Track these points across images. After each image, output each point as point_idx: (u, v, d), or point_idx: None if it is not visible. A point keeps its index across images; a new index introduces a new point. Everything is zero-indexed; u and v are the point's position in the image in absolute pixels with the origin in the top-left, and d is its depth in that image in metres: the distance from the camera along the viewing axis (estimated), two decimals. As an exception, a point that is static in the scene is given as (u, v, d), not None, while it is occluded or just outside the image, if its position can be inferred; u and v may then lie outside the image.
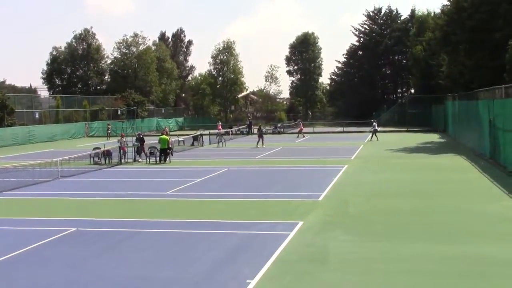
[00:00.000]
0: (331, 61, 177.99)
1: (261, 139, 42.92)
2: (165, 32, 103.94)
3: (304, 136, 54.45)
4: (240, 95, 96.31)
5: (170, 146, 33.69)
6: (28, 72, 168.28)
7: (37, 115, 62.13)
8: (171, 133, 57.27)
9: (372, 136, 46.96)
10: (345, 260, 11.65)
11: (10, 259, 12.32)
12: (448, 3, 47.39)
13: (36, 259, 12.35)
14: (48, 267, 11.79)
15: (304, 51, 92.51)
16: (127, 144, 34.09)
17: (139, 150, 34.00)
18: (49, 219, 16.75)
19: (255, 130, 52.60)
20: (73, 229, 14.95)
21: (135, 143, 34.61)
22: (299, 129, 57.44)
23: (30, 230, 15.31)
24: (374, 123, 48.89)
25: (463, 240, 13.04)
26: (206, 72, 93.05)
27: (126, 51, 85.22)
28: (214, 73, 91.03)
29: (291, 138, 54.17)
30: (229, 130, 60.66)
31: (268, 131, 64.11)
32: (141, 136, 35.24)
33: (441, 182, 22.23)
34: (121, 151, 33.49)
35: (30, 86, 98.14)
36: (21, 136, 53.91)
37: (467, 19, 40.10)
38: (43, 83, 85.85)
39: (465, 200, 18.12)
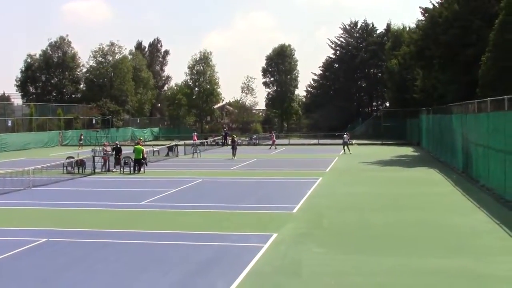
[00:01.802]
0: (307, 73, 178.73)
1: (234, 151, 42.84)
2: (141, 42, 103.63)
3: (276, 148, 54.49)
4: (216, 106, 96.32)
5: (145, 156, 33.49)
6: (1, 79, 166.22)
7: (9, 123, 61.26)
8: (146, 143, 56.98)
9: (344, 149, 46.76)
10: (319, 273, 11.63)
11: (-22, 270, 12.08)
12: (423, 18, 48.02)
13: (5, 271, 12.12)
14: (16, 279, 11.57)
15: (280, 63, 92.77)
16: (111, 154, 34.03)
17: (117, 160, 33.64)
18: (20, 229, 16.46)
19: (230, 141, 52.37)
20: (44, 239, 14.73)
21: (112, 152, 34.31)
22: (272, 140, 57.36)
23: (-1, 240, 15.06)
24: (345, 135, 48.89)
25: (436, 253, 13.11)
26: (182, 82, 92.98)
27: (102, 59, 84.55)
28: (190, 83, 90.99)
29: (266, 149, 54.16)
30: (204, 141, 60.46)
31: (244, 143, 64.07)
32: (118, 146, 34.89)
33: (414, 196, 22.40)
34: (102, 160, 33.36)
35: (3, 93, 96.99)
36: (-7, 144, 53.15)
37: (441, 34, 40.66)
38: (16, 91, 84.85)
39: (438, 214, 18.26)
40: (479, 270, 11.71)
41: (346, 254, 13.17)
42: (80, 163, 32.74)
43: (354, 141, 50.08)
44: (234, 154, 42.44)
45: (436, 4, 45.25)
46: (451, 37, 39.86)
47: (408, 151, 48.68)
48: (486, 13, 38.43)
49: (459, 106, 31.06)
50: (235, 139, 46.27)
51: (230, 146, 44.60)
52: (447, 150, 34.36)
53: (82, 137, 61.67)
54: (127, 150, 37.46)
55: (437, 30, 41.27)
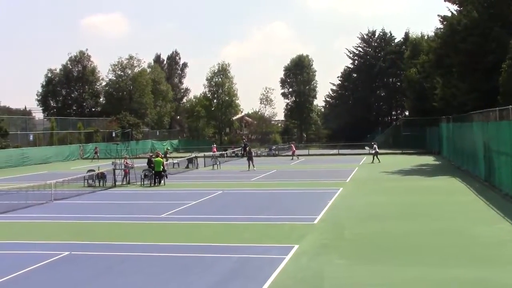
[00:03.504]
0: (325, 83, 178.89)
1: (250, 162, 42.77)
2: (160, 55, 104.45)
3: (298, 158, 54.43)
4: (235, 117, 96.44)
5: (165, 168, 33.56)
6: (23, 94, 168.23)
7: (31, 137, 61.91)
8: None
9: (374, 159, 46.78)
10: (341, 285, 11.54)
11: None
12: (441, 26, 47.76)
13: (28, 284, 12.20)
14: (40, 292, 11.63)
15: (298, 74, 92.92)
16: (132, 167, 34.13)
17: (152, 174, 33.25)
18: (42, 242, 16.57)
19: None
20: (66, 253, 14.80)
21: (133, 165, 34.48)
22: (292, 151, 57.23)
23: (22, 254, 15.13)
24: (375, 145, 48.85)
25: (459, 263, 12.94)
26: (201, 94, 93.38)
27: (121, 73, 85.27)
28: (209, 95, 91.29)
29: (285, 160, 54.08)
30: (224, 152, 60.53)
31: (263, 154, 64.09)
32: (153, 158, 34.83)
33: (436, 205, 22.16)
34: (123, 173, 33.48)
35: (25, 108, 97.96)
36: (15, 158, 53.70)
37: (460, 42, 40.37)
38: (37, 105, 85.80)
39: (461, 223, 18.05)
40: (503, 281, 11.52)
41: (368, 265, 13.04)
42: (101, 176, 32.92)
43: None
44: (252, 165, 42.25)
45: (455, 12, 44.99)
46: (470, 45, 39.56)
47: (428, 160, 48.30)
48: (506, 20, 38.13)
49: (480, 114, 30.77)
50: (251, 150, 46.43)
51: (247, 158, 44.54)
52: (469, 158, 34.01)
53: (97, 149, 62.37)
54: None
55: (456, 38, 40.99)
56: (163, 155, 38.09)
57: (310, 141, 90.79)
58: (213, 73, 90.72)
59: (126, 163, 34.61)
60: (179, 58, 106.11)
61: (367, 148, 53.27)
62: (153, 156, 35.21)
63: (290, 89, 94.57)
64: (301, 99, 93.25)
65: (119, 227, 19.13)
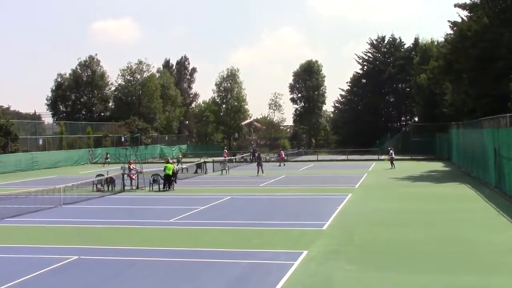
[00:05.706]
0: (334, 89, 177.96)
1: (260, 167, 42.79)
2: (169, 60, 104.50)
3: (284, 165, 54.82)
4: (243, 123, 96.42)
5: (175, 171, 33.56)
6: (32, 99, 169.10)
7: (40, 142, 62.17)
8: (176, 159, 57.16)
9: (391, 164, 46.73)
10: (350, 291, 11.46)
11: (10, 288, 12.16)
12: (451, 32, 47.60)
13: (37, 288, 12.19)
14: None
15: (307, 79, 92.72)
16: (137, 171, 34.17)
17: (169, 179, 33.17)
18: (51, 247, 16.60)
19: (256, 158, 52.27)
20: (75, 257, 14.81)
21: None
22: (280, 157, 57.71)
23: (31, 258, 15.15)
24: (391, 151, 48.74)
25: (469, 271, 12.84)
26: (209, 99, 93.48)
27: (131, 78, 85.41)
28: (217, 100, 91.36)
29: (294, 166, 54.05)
30: (232, 157, 60.54)
31: (272, 159, 64.08)
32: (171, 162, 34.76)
33: (446, 212, 22.03)
34: (129, 178, 33.46)
35: (35, 112, 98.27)
36: (25, 163, 53.95)
37: (470, 48, 40.20)
38: (47, 110, 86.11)
39: (471, 230, 17.93)
40: (515, 288, 11.43)
41: (378, 271, 12.97)
42: (110, 181, 32.97)
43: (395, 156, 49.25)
44: (262, 170, 42.24)
45: (465, 18, 44.84)
46: (480, 51, 39.38)
47: (438, 166, 48.08)
48: (517, 26, 37.93)
49: (491, 120, 30.59)
50: (260, 155, 46.47)
51: (256, 163, 44.60)
52: (479, 165, 33.84)
53: (108, 155, 62.54)
54: (155, 168, 37.62)
55: (466, 43, 40.82)
56: (175, 160, 38.03)
57: (319, 146, 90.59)
58: (222, 78, 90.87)
59: (131, 167, 34.34)
60: (188, 63, 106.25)
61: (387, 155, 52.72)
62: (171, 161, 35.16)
63: (299, 95, 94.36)
64: (310, 104, 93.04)
65: (128, 232, 19.13)
